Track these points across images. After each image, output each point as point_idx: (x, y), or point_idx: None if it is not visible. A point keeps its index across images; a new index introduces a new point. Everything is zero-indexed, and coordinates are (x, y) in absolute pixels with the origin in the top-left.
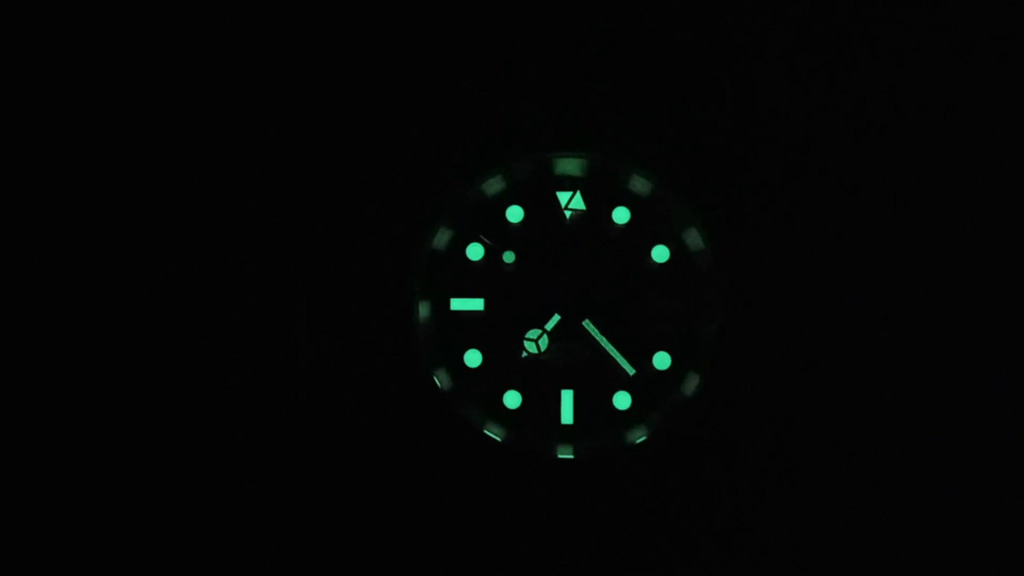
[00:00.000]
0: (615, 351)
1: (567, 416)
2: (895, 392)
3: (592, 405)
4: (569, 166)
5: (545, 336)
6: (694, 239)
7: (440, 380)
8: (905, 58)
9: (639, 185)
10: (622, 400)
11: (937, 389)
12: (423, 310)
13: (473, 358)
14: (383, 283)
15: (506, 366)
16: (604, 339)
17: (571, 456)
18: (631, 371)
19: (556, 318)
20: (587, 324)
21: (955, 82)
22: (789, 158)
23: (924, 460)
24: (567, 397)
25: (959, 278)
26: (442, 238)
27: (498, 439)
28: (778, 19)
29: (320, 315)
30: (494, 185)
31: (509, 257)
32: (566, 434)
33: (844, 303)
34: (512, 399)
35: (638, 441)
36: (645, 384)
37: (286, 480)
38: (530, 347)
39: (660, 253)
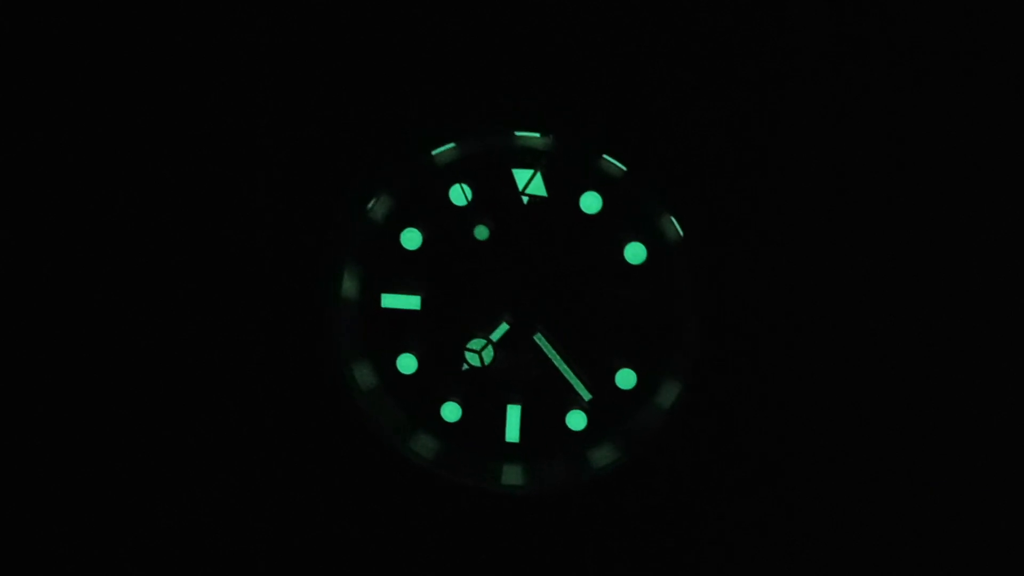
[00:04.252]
0: (570, 373)
1: (512, 434)
2: (892, 398)
3: (542, 423)
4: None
5: (490, 347)
6: (670, 231)
7: (363, 383)
8: (879, 51)
9: (611, 168)
10: (576, 420)
11: (931, 391)
12: (347, 306)
13: (407, 364)
14: (298, 272)
15: (444, 376)
16: (558, 357)
17: (519, 483)
18: (587, 396)
19: (504, 327)
20: (539, 339)
21: (933, 77)
22: (776, 144)
23: (920, 474)
24: (514, 413)
25: (947, 274)
26: (373, 222)
27: (427, 458)
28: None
29: (216, 311)
30: (439, 160)
31: (482, 233)
32: (511, 453)
33: (838, 305)
34: (451, 412)
35: (600, 467)
36: (605, 404)
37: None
38: (472, 360)
39: (635, 253)
